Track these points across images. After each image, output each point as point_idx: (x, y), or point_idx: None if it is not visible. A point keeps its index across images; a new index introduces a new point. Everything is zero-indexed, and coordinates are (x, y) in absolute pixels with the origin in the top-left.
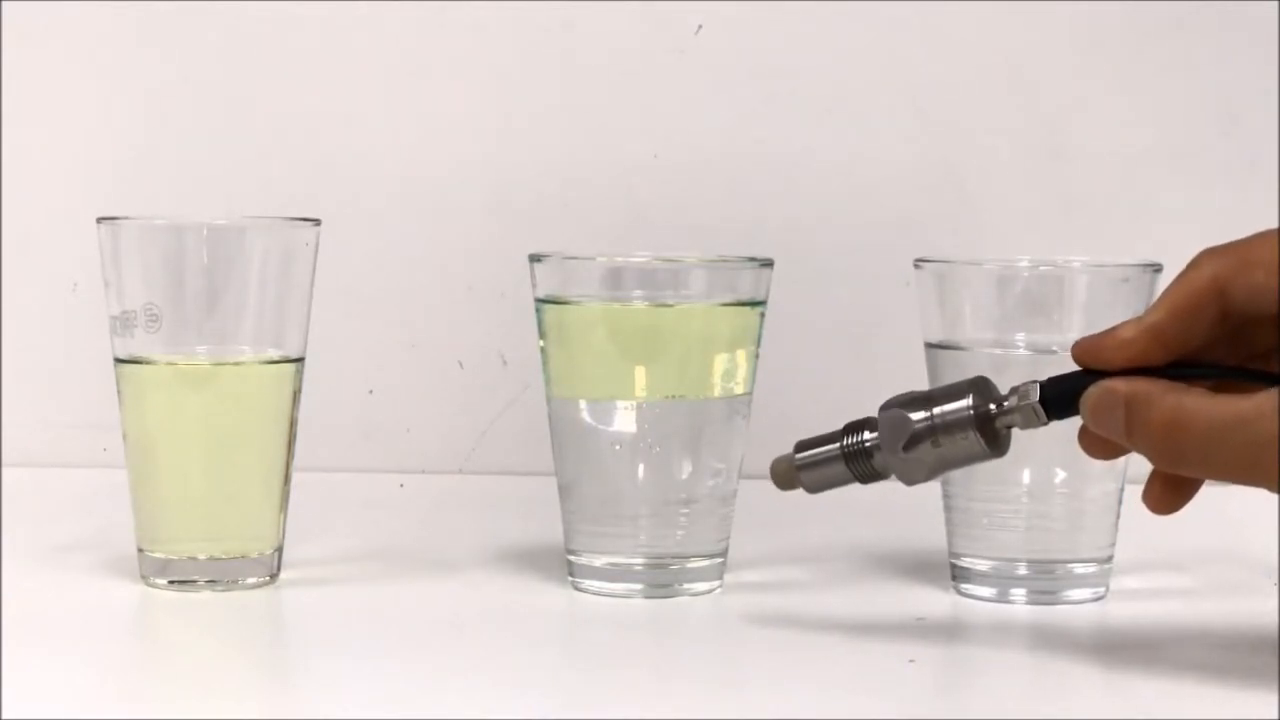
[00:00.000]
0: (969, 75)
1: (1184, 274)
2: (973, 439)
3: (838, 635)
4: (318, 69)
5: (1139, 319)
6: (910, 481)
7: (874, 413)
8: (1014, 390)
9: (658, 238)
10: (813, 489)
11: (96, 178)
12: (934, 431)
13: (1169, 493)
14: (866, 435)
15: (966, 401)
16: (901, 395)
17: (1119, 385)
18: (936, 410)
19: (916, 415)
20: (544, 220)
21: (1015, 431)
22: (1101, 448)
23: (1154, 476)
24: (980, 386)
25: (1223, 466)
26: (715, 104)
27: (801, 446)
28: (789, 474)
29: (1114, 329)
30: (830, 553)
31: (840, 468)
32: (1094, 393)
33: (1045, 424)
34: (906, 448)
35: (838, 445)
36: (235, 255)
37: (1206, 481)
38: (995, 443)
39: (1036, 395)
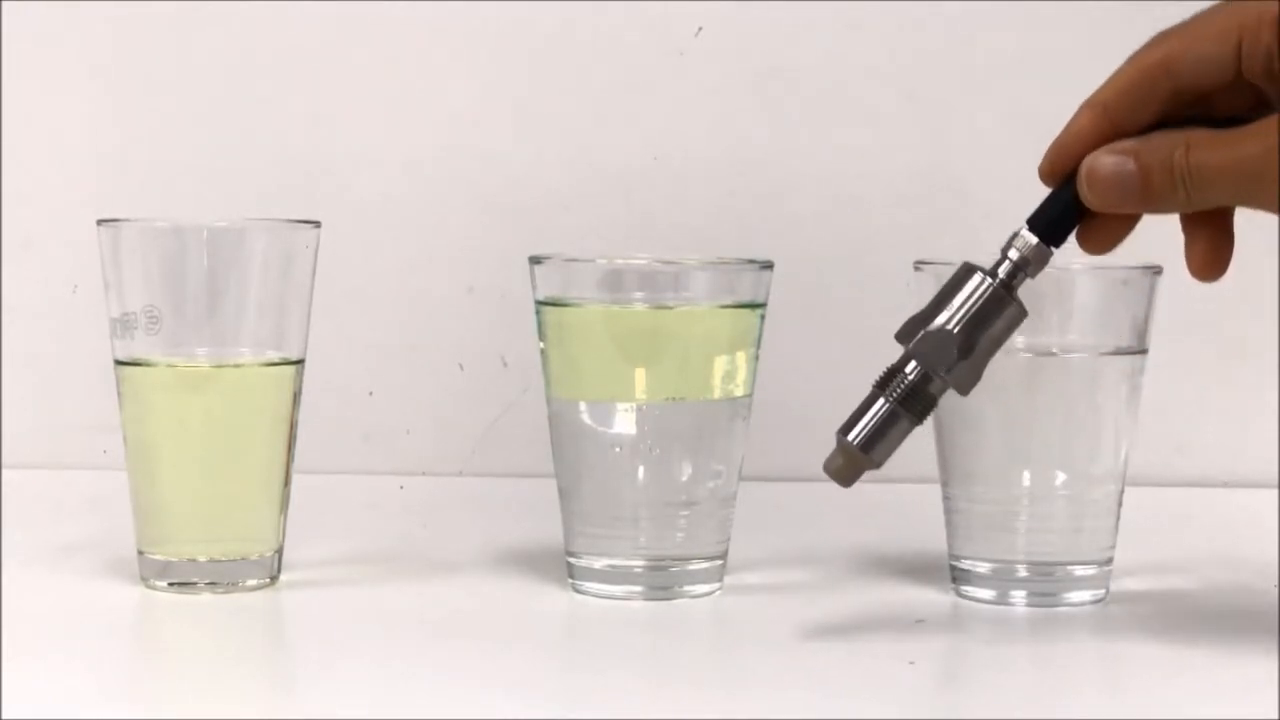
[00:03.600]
0: (969, 76)
1: (1135, 54)
2: (1012, 306)
3: (838, 637)
4: (318, 69)
5: (1086, 100)
6: (968, 388)
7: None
8: (1005, 249)
9: (658, 239)
10: (881, 458)
11: (96, 179)
12: (973, 324)
13: (1212, 249)
14: (907, 372)
15: (983, 278)
16: (907, 323)
17: (1123, 143)
18: (958, 303)
19: (946, 321)
20: (544, 222)
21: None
22: (1105, 232)
23: (1192, 241)
24: (975, 266)
25: (1248, 171)
26: (715, 104)
27: (847, 428)
28: (850, 460)
29: (1066, 126)
30: (830, 554)
31: (901, 419)
32: (1093, 163)
33: (1053, 255)
34: (962, 355)
35: (884, 401)
36: (235, 257)
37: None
38: (1021, 303)
39: (1029, 236)
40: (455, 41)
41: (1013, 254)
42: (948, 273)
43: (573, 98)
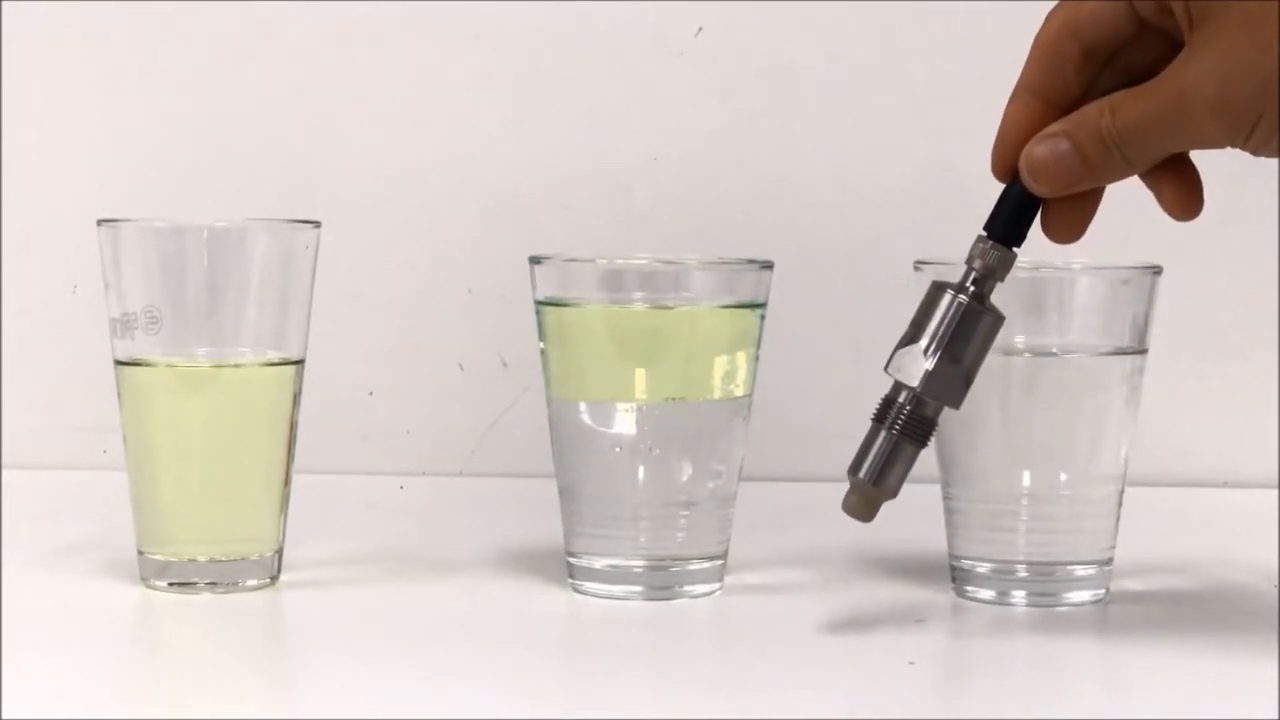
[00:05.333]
0: (969, 75)
1: (1039, 31)
2: (988, 317)
3: (838, 636)
4: (317, 69)
5: (1012, 91)
6: (960, 403)
7: (870, 406)
8: (969, 261)
9: (658, 239)
10: (896, 487)
11: (96, 179)
12: (955, 343)
13: (1180, 189)
14: (902, 402)
15: (953, 296)
16: (895, 356)
17: (1052, 126)
18: (934, 325)
19: (927, 347)
20: (544, 222)
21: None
22: (1067, 217)
23: (1158, 190)
24: (944, 284)
25: (1170, 115)
26: (715, 104)
27: (855, 467)
28: (865, 496)
29: (1001, 121)
30: (830, 554)
31: (907, 447)
32: (1029, 153)
33: (1017, 256)
34: (967, 384)
35: (887, 433)
36: (235, 257)
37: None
38: (995, 310)
39: (989, 243)
40: (455, 42)
41: (976, 264)
42: (948, 273)
43: (572, 97)
